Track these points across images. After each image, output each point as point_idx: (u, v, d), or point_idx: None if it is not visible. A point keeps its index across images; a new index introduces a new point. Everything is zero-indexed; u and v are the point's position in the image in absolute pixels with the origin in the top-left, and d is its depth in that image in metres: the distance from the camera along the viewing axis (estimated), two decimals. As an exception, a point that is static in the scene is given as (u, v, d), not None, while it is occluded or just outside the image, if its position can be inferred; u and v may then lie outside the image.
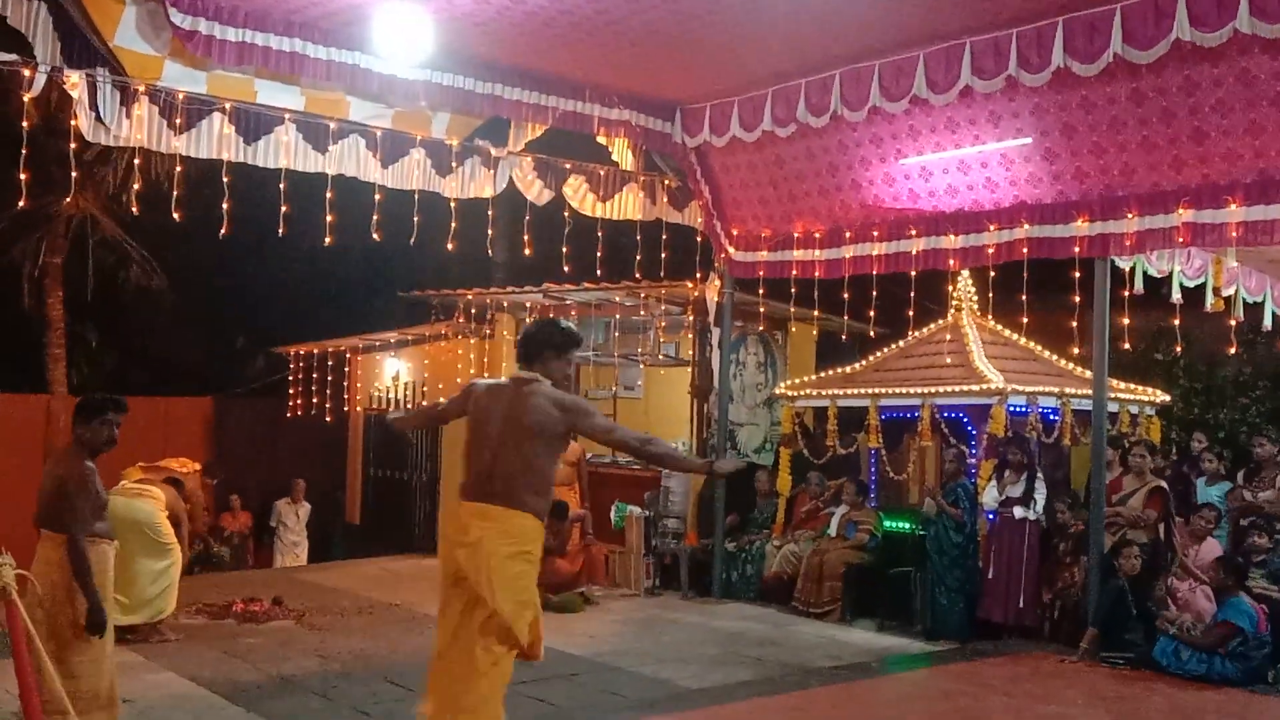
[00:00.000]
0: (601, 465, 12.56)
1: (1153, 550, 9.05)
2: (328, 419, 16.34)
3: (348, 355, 16.81)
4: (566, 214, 10.67)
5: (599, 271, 11.05)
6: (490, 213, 10.24)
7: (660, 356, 13.30)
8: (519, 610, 4.87)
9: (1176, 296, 9.19)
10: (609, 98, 10.16)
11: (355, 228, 9.53)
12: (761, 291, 11.46)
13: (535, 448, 4.98)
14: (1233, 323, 9.30)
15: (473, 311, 13.82)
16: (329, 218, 9.17)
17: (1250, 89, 7.52)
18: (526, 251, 10.43)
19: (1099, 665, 8.47)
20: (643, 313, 12.72)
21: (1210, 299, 9.36)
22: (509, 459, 4.96)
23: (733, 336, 12.17)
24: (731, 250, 11.43)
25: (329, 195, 9.21)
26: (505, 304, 13.61)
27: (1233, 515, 9.59)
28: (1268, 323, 10.09)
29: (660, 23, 8.37)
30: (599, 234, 10.83)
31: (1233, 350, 9.67)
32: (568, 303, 12.93)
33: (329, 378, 16.35)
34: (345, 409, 16.75)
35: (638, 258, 11.16)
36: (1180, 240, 8.32)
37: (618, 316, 12.76)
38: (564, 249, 10.60)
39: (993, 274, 10.02)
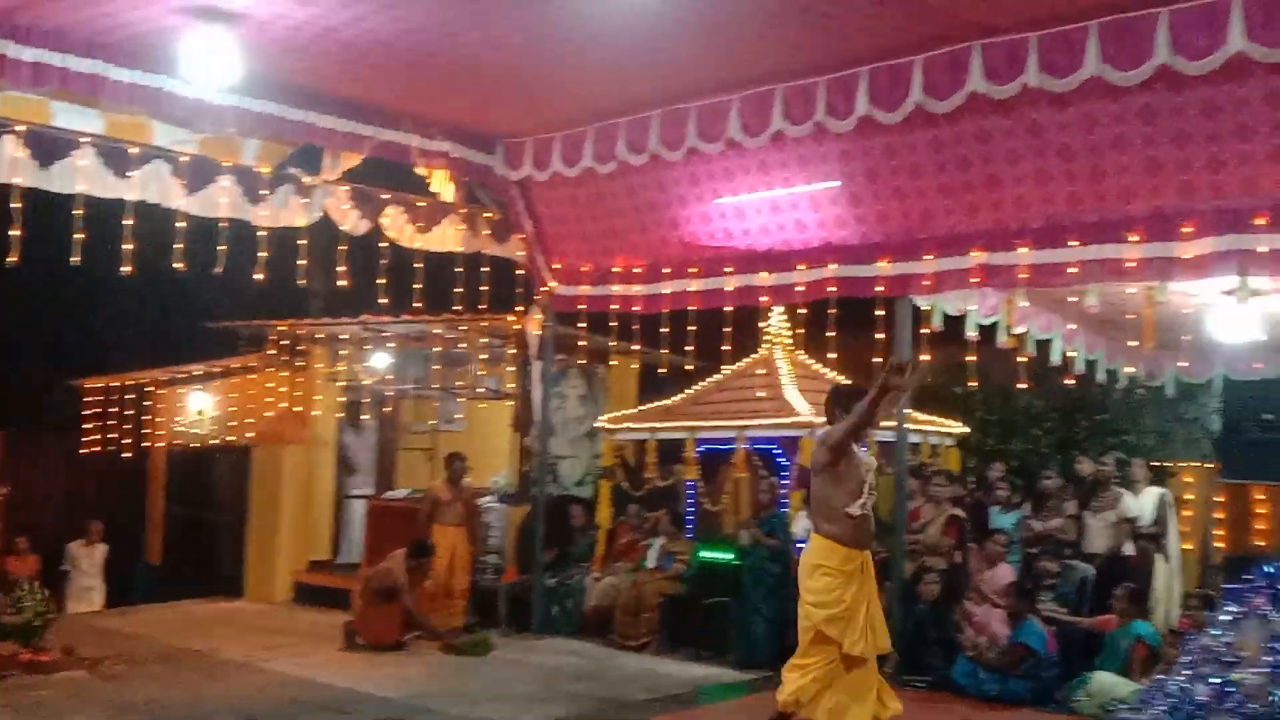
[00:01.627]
0: (417, 501, 12.34)
1: (951, 576, 9.47)
2: (128, 455, 15.53)
3: (150, 389, 16.04)
4: (384, 244, 10.50)
5: (418, 303, 10.89)
6: (303, 242, 9.98)
7: (481, 390, 13.19)
8: (823, 616, 6.38)
9: (972, 334, 9.67)
10: (428, 129, 10.05)
11: (158, 256, 9.13)
12: (583, 325, 11.53)
13: (816, 482, 6.65)
14: (1022, 359, 9.85)
15: (284, 343, 13.39)
16: (129, 245, 8.76)
17: (1039, 139, 8.01)
18: (342, 282, 10.20)
19: (901, 688, 8.76)
20: (464, 345, 12.60)
21: (1003, 336, 9.89)
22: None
23: (555, 370, 12.19)
24: (553, 284, 11.45)
25: (129, 222, 8.80)
26: (319, 335, 13.25)
27: (1023, 542, 10.13)
28: (1056, 359, 10.71)
29: (480, 57, 8.36)
30: (418, 265, 10.69)
31: (1023, 385, 10.23)
32: (386, 334, 12.70)
33: (129, 412, 15.56)
34: (146, 445, 15.96)
35: (458, 290, 11.05)
36: (975, 281, 8.76)
37: (437, 349, 12.60)
38: (381, 280, 10.41)
39: (802, 311, 10.33)
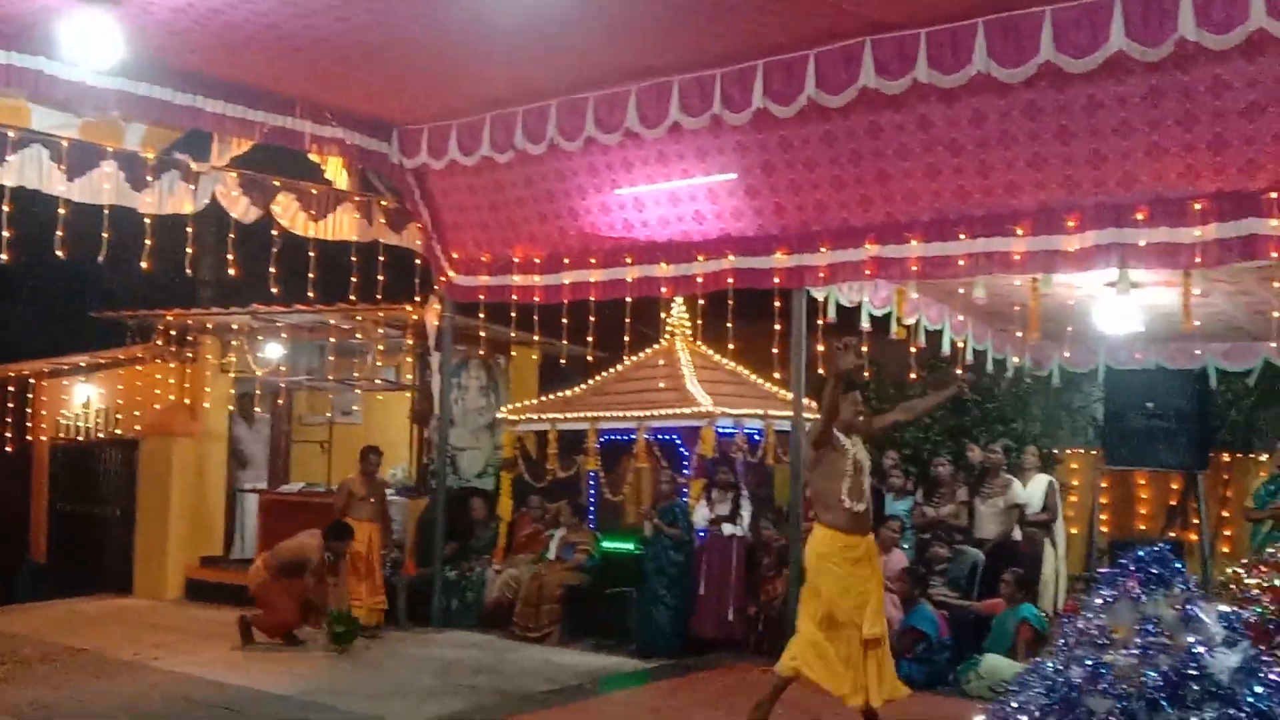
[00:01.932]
0: (312, 494, 12.15)
1: (847, 562, 9.61)
2: (8, 449, 14.95)
3: (31, 380, 15.46)
4: (276, 233, 10.27)
5: (312, 293, 10.68)
6: (191, 230, 9.71)
7: (378, 381, 13.01)
8: (849, 605, 6.70)
9: (865, 325, 9.85)
10: (321, 115, 9.87)
11: (38, 243, 8.80)
12: (482, 315, 11.43)
13: (810, 476, 7.13)
14: (913, 350, 10.06)
15: (173, 334, 13.02)
16: (6, 232, 8.42)
17: (928, 134, 8.18)
18: (232, 271, 9.95)
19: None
20: (360, 336, 12.40)
21: (895, 327, 10.09)
22: None
23: (454, 361, 12.08)
24: (451, 274, 11.34)
25: (6, 209, 8.46)
26: (210, 325, 12.91)
27: (916, 528, 10.36)
28: (946, 349, 10.96)
29: (373, 43, 8.23)
30: (312, 254, 10.47)
31: (913, 375, 10.45)
32: (278, 324, 12.43)
33: (9, 404, 14.97)
34: (29, 439, 15.38)
35: (353, 279, 10.87)
36: (867, 273, 8.93)
37: (333, 340, 12.37)
38: (273, 269, 10.19)
39: (702, 301, 10.40)
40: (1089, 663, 2.76)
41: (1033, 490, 10.44)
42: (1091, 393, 12.88)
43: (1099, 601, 2.90)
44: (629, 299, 10.25)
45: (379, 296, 11.07)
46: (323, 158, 10.51)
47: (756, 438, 10.99)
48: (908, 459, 12.10)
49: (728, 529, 9.95)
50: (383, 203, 11.09)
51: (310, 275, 10.43)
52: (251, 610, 10.00)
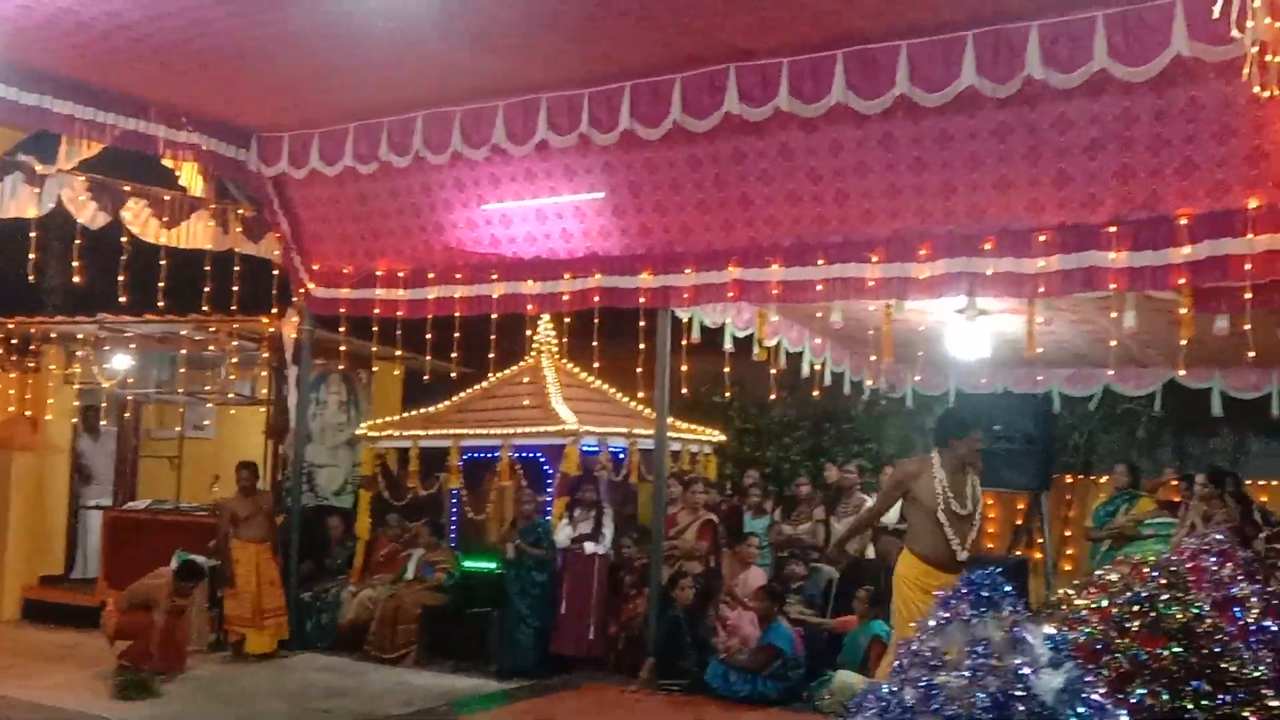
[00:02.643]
0: (161, 512, 11.70)
1: (706, 580, 9.72)
2: None
3: None
4: (126, 240, 9.88)
5: (163, 303, 10.32)
6: (35, 235, 9.28)
7: (232, 395, 12.60)
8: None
9: (729, 346, 9.99)
10: (176, 119, 9.55)
11: None
12: (343, 329, 11.19)
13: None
14: (773, 371, 10.24)
15: (14, 343, 12.39)
16: None
17: (789, 161, 8.35)
18: (78, 279, 9.54)
19: (656, 693, 8.96)
20: (213, 348, 12.00)
21: (757, 349, 10.26)
22: None
23: (313, 375, 11.80)
24: (311, 286, 11.09)
25: None
26: (53, 335, 12.32)
27: (774, 546, 10.53)
28: (806, 371, 11.19)
29: (230, 47, 8.00)
30: (163, 262, 10.12)
31: (773, 396, 10.63)
32: (127, 335, 11.94)
33: None
34: None
35: (207, 289, 10.54)
36: (731, 295, 9.06)
37: (184, 351, 11.95)
38: (122, 277, 9.80)
39: (568, 319, 10.40)
40: (922, 684, 2.84)
41: (892, 509, 10.69)
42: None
43: (931, 623, 2.99)
44: (495, 315, 10.18)
45: (234, 307, 10.75)
46: (177, 163, 10.14)
47: (621, 456, 11.03)
48: (769, 478, 12.30)
49: (590, 547, 9.94)
50: (240, 211, 10.79)
51: (161, 284, 10.11)
52: (121, 645, 9.42)
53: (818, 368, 11.23)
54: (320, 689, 9.10)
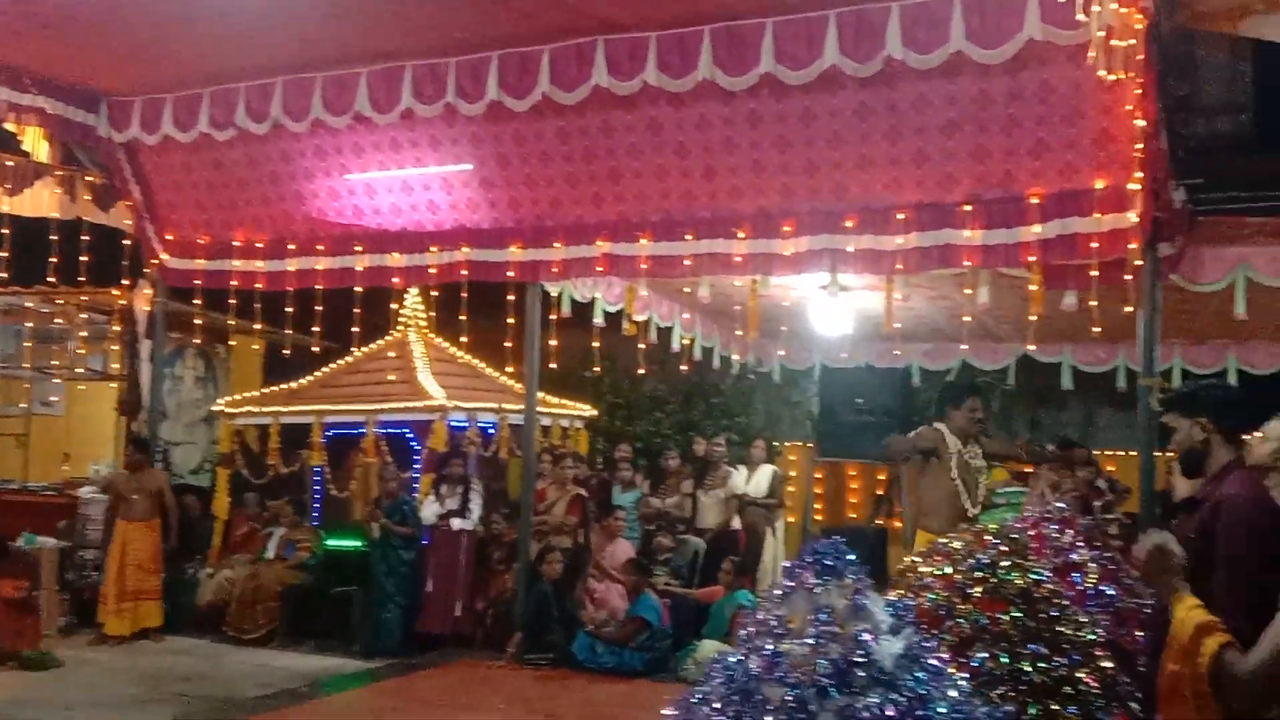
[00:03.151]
0: (7, 491, 11.15)
1: (574, 555, 9.73)
2: None
3: None
4: (-37, 207, 9.37)
5: (6, 274, 9.83)
6: None
7: (81, 370, 12.07)
8: None
9: (599, 320, 9.97)
10: (19, 80, 9.11)
11: None
12: (198, 302, 10.82)
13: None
14: (641, 346, 10.25)
15: None
16: None
17: (657, 136, 8.35)
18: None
19: (523, 667, 8.94)
20: (60, 321, 11.47)
21: (626, 324, 10.26)
22: None
23: (167, 349, 11.39)
24: (165, 256, 10.69)
25: None
26: (-116, 306, 11.64)
27: (642, 519, 10.59)
28: (676, 345, 11.25)
29: (77, 7, 7.61)
30: (5, 231, 9.62)
31: (642, 371, 10.65)
32: (-33, 307, 11.35)
33: None
34: None
35: (54, 260, 10.05)
36: (600, 270, 9.04)
37: (30, 325, 11.40)
38: (-41, 246, 9.30)
39: (436, 293, 10.24)
40: (766, 652, 2.86)
41: (760, 480, 10.88)
42: (809, 389, 13.55)
43: (777, 592, 3.01)
44: (359, 288, 9.95)
45: (82, 279, 10.29)
46: (20, 127, 9.66)
47: (490, 432, 10.93)
48: (640, 452, 12.36)
49: (457, 524, 9.83)
50: (88, 178, 10.34)
51: (4, 254, 9.61)
52: None
53: (686, 342, 11.29)
54: (176, 672, 8.82)
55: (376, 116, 8.73)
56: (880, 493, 13.09)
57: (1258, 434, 4.61)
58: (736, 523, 10.62)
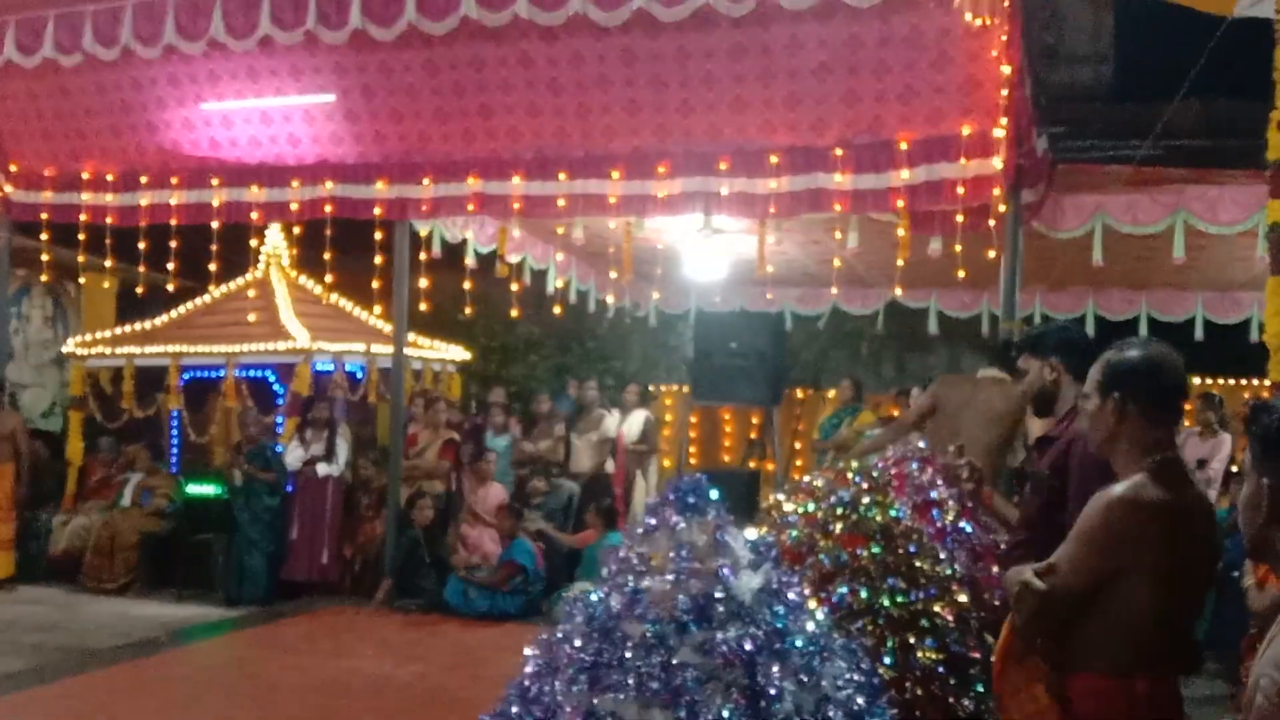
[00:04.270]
0: None
1: (446, 500, 9.62)
2: None
3: None
4: None
5: None
6: None
7: (-84, 309, 11.37)
8: None
9: (471, 261, 9.78)
10: None
11: None
12: (45, 236, 10.24)
13: None
14: (515, 288, 10.10)
15: None
16: None
17: (530, 72, 8.14)
18: None
19: (393, 613, 8.83)
20: (-108, 256, 10.75)
21: (499, 265, 10.09)
22: None
23: (13, 287, 10.80)
24: (8, 189, 10.11)
25: None
26: None
27: (515, 463, 10.52)
28: (551, 288, 11.13)
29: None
30: None
31: (516, 314, 10.49)
32: None
33: None
34: None
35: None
36: (471, 208, 8.84)
37: None
38: None
39: (298, 230, 9.90)
40: (628, 589, 2.83)
41: (633, 424, 10.90)
42: (685, 333, 13.59)
43: (639, 530, 2.98)
44: (217, 224, 9.55)
45: (-83, 212, 9.63)
46: None
47: (359, 375, 10.67)
48: (514, 396, 12.26)
49: (323, 469, 9.60)
50: (-81, 103, 9.61)
51: None
52: None
53: (561, 285, 11.19)
54: (29, 622, 8.47)
55: (233, 43, 8.31)
56: (753, 436, 13.24)
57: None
58: (610, 466, 10.62)
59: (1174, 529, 2.67)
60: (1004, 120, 7.14)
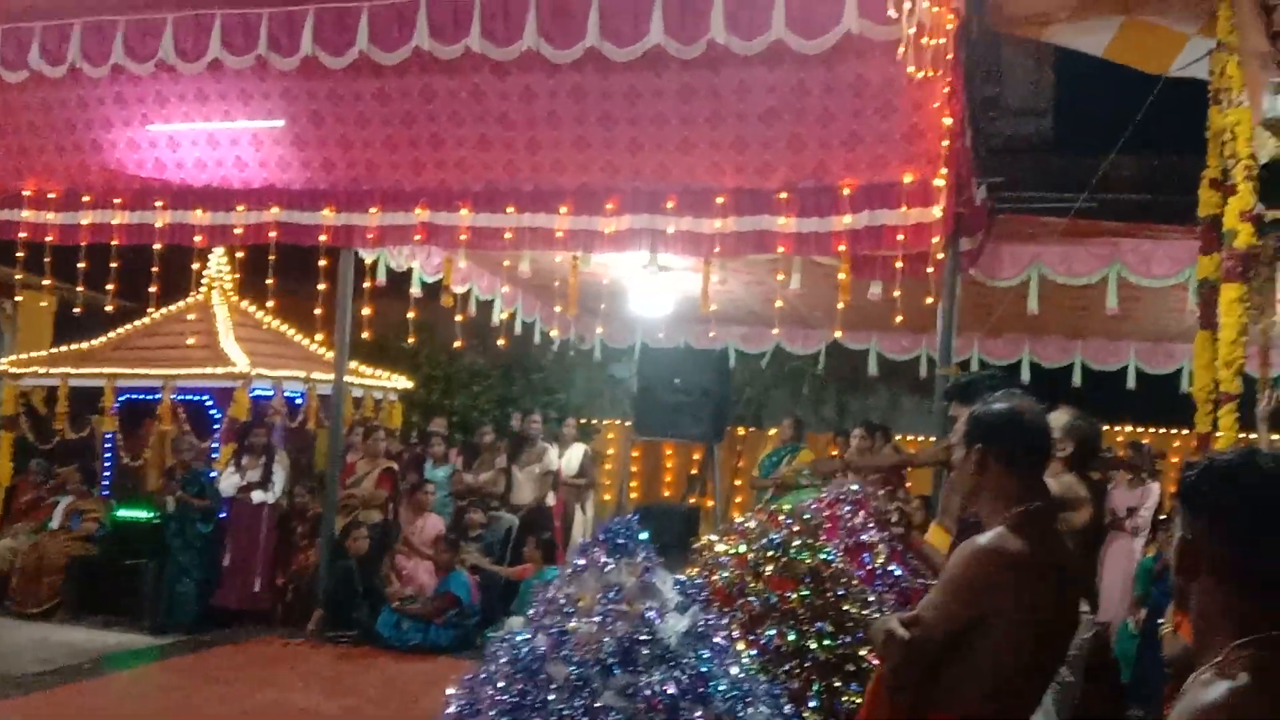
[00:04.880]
0: None
1: (382, 530, 9.53)
2: None
3: None
4: None
5: None
6: None
7: None
8: None
9: (416, 291, 9.75)
10: None
11: None
12: (-18, 254, 10.07)
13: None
14: (459, 318, 10.07)
15: None
16: None
17: (481, 105, 8.15)
18: None
19: (325, 644, 8.71)
20: None
21: (444, 295, 10.05)
22: None
23: (-55, 303, 10.56)
24: (-55, 204, 9.89)
25: None
26: None
27: (454, 495, 10.45)
28: (497, 319, 11.12)
29: None
30: None
31: (458, 344, 10.45)
32: None
33: None
34: None
35: None
36: (418, 238, 8.82)
37: None
38: None
39: (241, 254, 9.82)
40: (553, 630, 2.84)
41: (571, 458, 10.89)
42: (629, 368, 13.64)
43: (569, 570, 2.99)
44: (159, 246, 9.43)
45: None
46: None
47: (298, 402, 10.57)
48: (457, 426, 12.20)
49: (258, 496, 9.48)
50: None
51: None
52: None
53: (506, 316, 11.18)
54: (-55, 648, 8.25)
55: (182, 65, 8.22)
56: (694, 472, 13.30)
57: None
58: (551, 499, 10.60)
59: (1032, 580, 2.75)
60: (944, 170, 7.28)
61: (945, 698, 2.81)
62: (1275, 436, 5.23)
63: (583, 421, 13.11)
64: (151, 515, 9.78)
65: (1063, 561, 2.91)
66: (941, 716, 2.81)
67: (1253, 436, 5.51)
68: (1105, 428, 12.30)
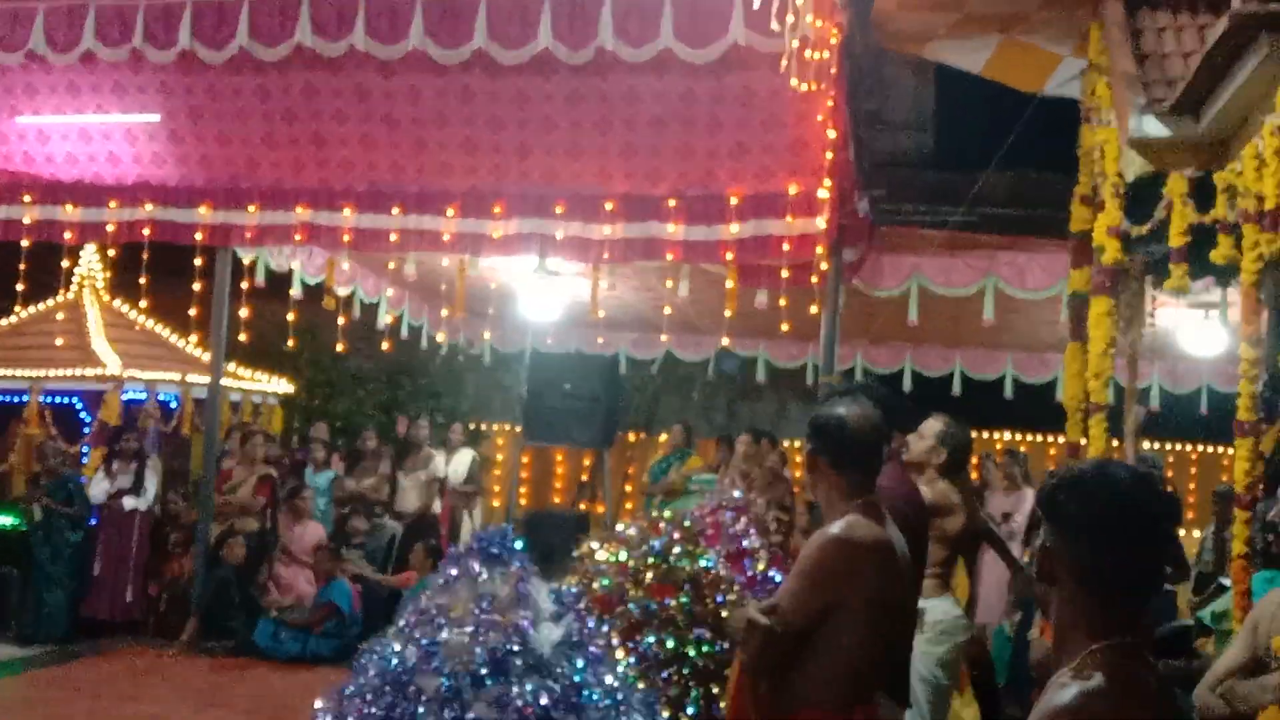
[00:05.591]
0: None
1: (260, 537, 9.28)
2: None
3: None
4: None
5: None
6: None
7: None
8: None
9: (297, 292, 9.53)
10: None
11: None
12: None
13: None
14: (341, 320, 9.86)
15: None
16: None
17: (365, 104, 8.02)
18: None
19: (199, 656, 8.45)
20: None
21: (326, 297, 9.84)
22: None
23: None
24: None
25: None
26: None
27: (336, 501, 10.24)
28: (382, 322, 10.92)
29: None
30: None
31: (341, 347, 10.23)
32: None
33: None
34: None
35: None
36: (299, 238, 8.63)
37: None
38: None
39: (113, 252, 9.49)
40: (424, 642, 2.78)
41: (458, 464, 10.75)
42: (519, 372, 13.54)
43: (440, 580, 2.94)
44: (26, 242, 9.05)
45: None
46: None
47: (173, 405, 10.24)
48: (341, 431, 11.95)
49: (130, 502, 9.14)
50: None
51: None
52: None
53: (391, 320, 11.00)
54: None
55: (53, 56, 7.94)
56: (585, 478, 13.27)
57: (917, 433, 4.96)
58: (438, 506, 10.45)
59: (882, 563, 2.95)
60: (828, 181, 7.40)
61: (804, 694, 2.91)
62: (1146, 445, 5.43)
63: (471, 427, 12.98)
64: (17, 523, 9.35)
65: (900, 546, 3.08)
66: (805, 711, 2.88)
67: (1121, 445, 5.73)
68: (983, 435, 12.72)
